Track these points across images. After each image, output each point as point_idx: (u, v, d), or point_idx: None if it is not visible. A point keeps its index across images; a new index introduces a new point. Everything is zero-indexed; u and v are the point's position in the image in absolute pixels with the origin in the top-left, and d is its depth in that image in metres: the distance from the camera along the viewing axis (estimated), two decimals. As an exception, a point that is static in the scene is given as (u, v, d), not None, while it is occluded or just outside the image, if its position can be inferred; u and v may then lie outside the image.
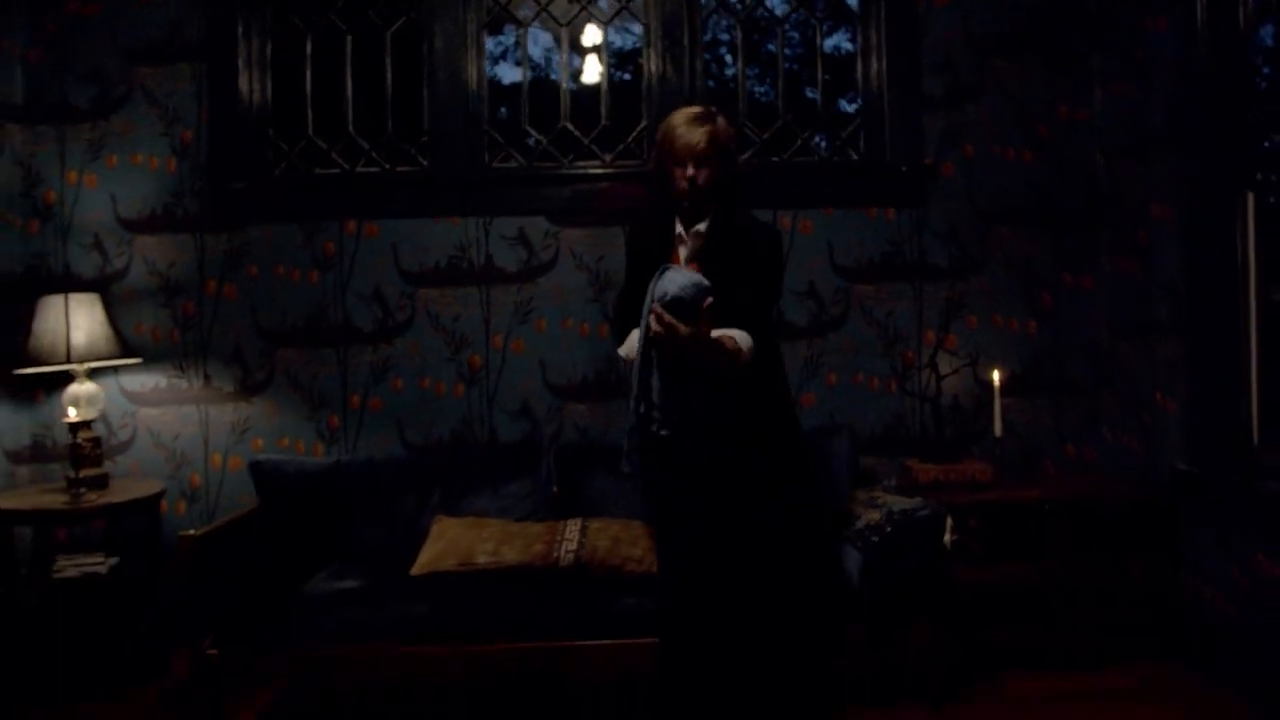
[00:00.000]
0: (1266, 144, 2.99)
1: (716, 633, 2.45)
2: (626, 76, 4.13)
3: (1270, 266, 3.13)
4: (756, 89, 4.13)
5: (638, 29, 3.95)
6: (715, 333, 2.35)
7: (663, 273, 2.37)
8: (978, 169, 3.83)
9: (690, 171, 2.48)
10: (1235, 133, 3.12)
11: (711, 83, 3.96)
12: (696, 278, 2.34)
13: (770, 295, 2.66)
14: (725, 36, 4.02)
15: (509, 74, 3.97)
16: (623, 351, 2.67)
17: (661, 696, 2.53)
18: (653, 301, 2.32)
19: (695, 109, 2.57)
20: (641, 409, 2.40)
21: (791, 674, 2.50)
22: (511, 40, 4.04)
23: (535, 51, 4.13)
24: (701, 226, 2.56)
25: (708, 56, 4.03)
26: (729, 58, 3.96)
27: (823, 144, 3.96)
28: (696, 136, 2.48)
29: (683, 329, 2.28)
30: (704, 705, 2.46)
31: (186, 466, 3.82)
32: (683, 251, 2.59)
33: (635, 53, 3.94)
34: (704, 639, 2.46)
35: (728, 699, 2.45)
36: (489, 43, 4.01)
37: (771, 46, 4.03)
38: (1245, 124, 3.09)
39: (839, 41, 4.10)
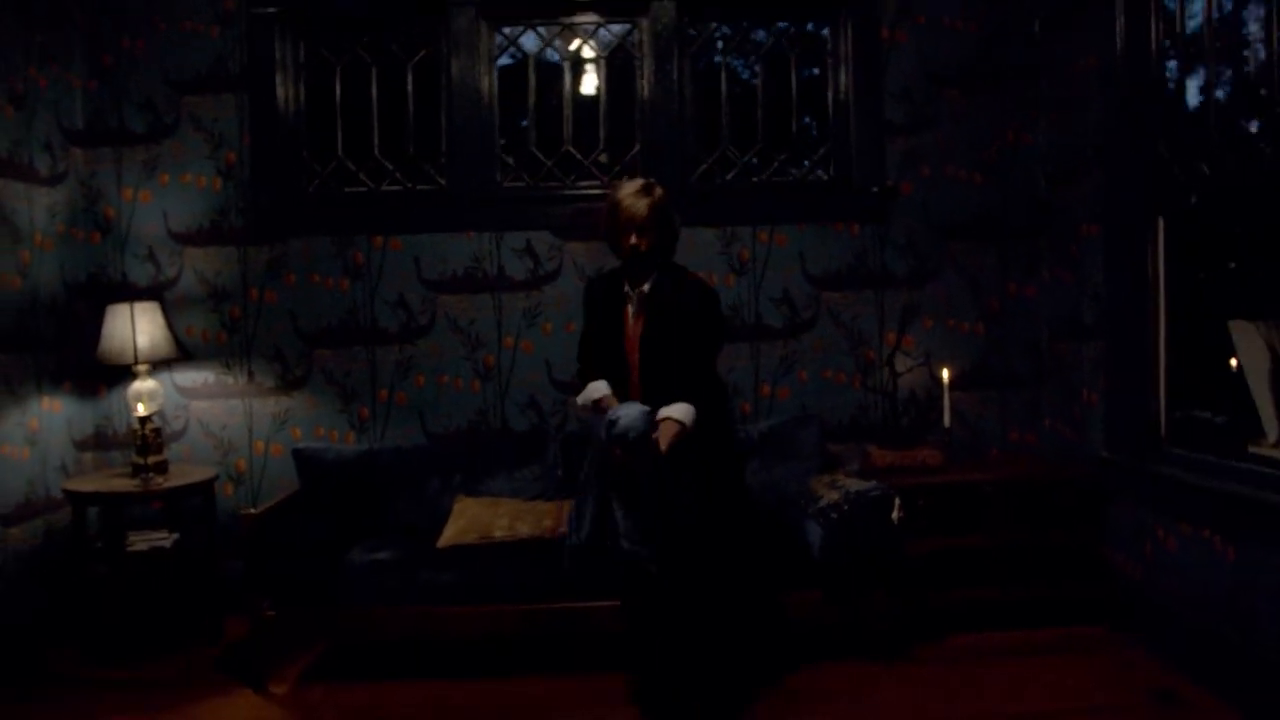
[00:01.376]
0: (1175, 173, 3.46)
1: (668, 599, 2.97)
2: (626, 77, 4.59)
3: (1176, 282, 3.63)
4: (747, 107, 4.55)
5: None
6: (662, 420, 2.95)
7: (615, 420, 2.87)
8: (933, 189, 4.32)
9: (634, 240, 2.99)
10: (1148, 163, 3.60)
11: (697, 107, 4.41)
12: (641, 411, 2.88)
13: (710, 344, 3.15)
14: (715, 57, 4.47)
15: (519, 85, 4.41)
16: (580, 400, 3.21)
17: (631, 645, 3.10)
18: (609, 439, 2.88)
19: (637, 183, 3.07)
20: (583, 534, 3.02)
21: (734, 622, 3.10)
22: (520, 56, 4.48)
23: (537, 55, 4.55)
24: (645, 287, 3.07)
25: (700, 67, 4.50)
26: (716, 82, 4.41)
27: (805, 163, 4.44)
28: (640, 208, 2.98)
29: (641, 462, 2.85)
30: (662, 649, 2.99)
31: (233, 453, 4.31)
32: (630, 308, 3.13)
33: (630, 71, 4.39)
34: (657, 603, 2.99)
35: (683, 643, 2.96)
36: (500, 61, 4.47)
37: (745, 72, 4.50)
38: (1156, 156, 3.58)
39: (813, 71, 4.54)
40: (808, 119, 4.53)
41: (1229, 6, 3.31)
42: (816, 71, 4.52)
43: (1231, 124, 3.17)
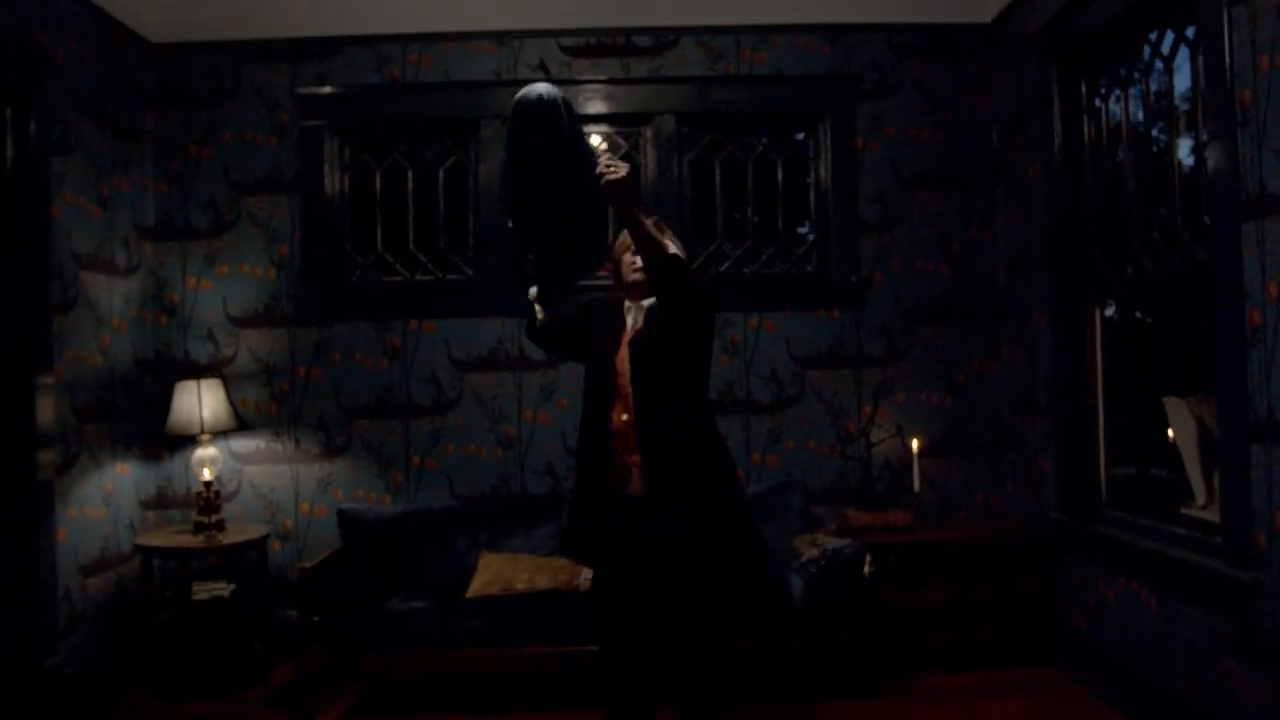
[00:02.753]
0: (1106, 272, 4.00)
1: (639, 645, 3.05)
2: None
3: (1111, 365, 4.16)
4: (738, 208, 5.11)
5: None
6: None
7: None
8: (904, 279, 4.87)
9: (633, 259, 3.01)
10: (1084, 262, 4.15)
11: (695, 206, 4.99)
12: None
13: (707, 298, 3.03)
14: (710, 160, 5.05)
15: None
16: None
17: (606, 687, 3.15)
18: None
19: (653, 221, 3.03)
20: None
21: (696, 667, 3.01)
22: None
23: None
24: (646, 303, 3.03)
25: (697, 166, 5.08)
26: (710, 182, 4.98)
27: (793, 257, 5.00)
28: (620, 246, 3.08)
29: (626, 167, 2.75)
30: (632, 686, 3.07)
31: (280, 513, 4.82)
32: (629, 317, 3.06)
33: (636, 173, 4.96)
34: (628, 649, 3.05)
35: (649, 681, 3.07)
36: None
37: (749, 177, 5.09)
38: (1090, 256, 4.12)
39: (797, 174, 5.11)
40: (793, 215, 5.09)
41: (1141, 121, 3.88)
42: (803, 171, 5.10)
43: (1148, 231, 3.71)
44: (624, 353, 3.01)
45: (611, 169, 2.74)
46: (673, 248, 2.96)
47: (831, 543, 4.02)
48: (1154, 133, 3.83)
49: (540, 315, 3.13)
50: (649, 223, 2.93)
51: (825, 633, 3.90)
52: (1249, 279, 3.01)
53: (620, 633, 3.06)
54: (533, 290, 3.13)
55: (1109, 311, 4.28)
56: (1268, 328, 2.94)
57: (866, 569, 3.90)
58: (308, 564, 4.00)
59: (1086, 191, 4.17)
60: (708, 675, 3.01)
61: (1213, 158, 3.18)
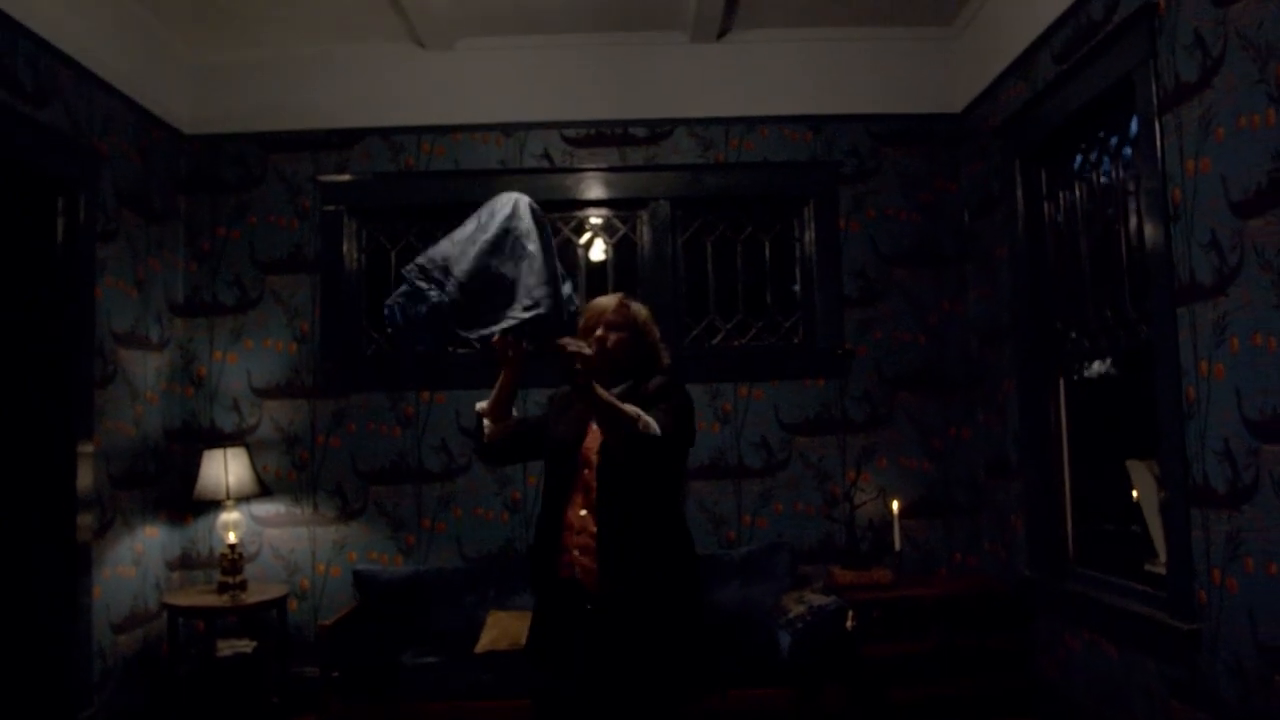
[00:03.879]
0: (1069, 343, 4.34)
1: None
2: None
3: (1076, 430, 4.48)
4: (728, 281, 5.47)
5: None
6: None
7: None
8: (884, 349, 5.21)
9: (600, 333, 2.74)
10: (1048, 334, 4.49)
11: (689, 283, 5.35)
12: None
13: (682, 435, 2.70)
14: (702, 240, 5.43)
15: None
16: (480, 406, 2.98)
17: None
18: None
19: (618, 297, 2.88)
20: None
21: None
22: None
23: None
24: (618, 390, 2.68)
25: (692, 248, 5.44)
26: (703, 259, 5.36)
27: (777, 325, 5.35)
28: (608, 303, 2.82)
29: (588, 349, 2.54)
30: None
31: (298, 573, 5.11)
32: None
33: (634, 252, 5.34)
34: None
35: None
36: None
37: (738, 258, 5.45)
38: (1053, 329, 4.46)
39: (784, 253, 5.48)
40: (780, 293, 5.44)
41: (1093, 209, 4.25)
42: (790, 249, 5.46)
43: (1101, 309, 4.06)
44: (591, 442, 2.73)
45: (576, 347, 2.53)
46: (643, 416, 2.56)
47: (817, 599, 4.30)
48: (1107, 217, 4.18)
49: (488, 428, 2.97)
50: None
51: (812, 685, 4.16)
52: (1184, 358, 3.35)
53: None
54: (480, 404, 2.99)
55: (1092, 368, 4.57)
56: (1201, 402, 3.27)
57: (849, 623, 4.18)
58: (327, 622, 4.28)
59: (1048, 269, 4.52)
60: None
61: (1150, 248, 3.54)
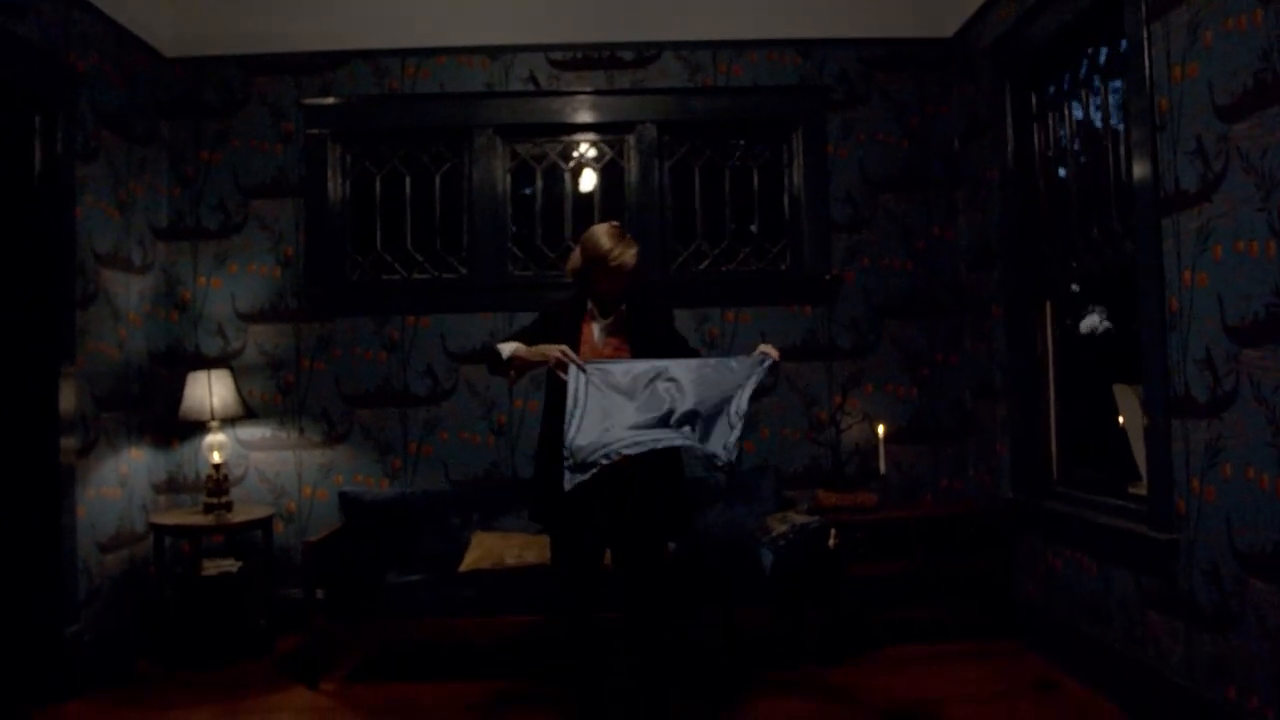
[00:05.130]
0: (1055, 266, 4.31)
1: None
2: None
3: (1061, 354, 4.47)
4: (716, 206, 5.45)
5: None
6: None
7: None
8: (872, 276, 5.19)
9: (621, 285, 3.30)
10: (1034, 257, 4.47)
11: (676, 209, 5.30)
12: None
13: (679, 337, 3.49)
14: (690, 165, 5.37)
15: (529, 190, 5.32)
16: (507, 351, 3.26)
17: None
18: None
19: (615, 229, 3.30)
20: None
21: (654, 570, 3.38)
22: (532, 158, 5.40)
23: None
24: (610, 320, 3.34)
25: (679, 172, 5.39)
26: (690, 185, 5.31)
27: (773, 252, 5.32)
28: (629, 258, 3.25)
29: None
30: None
31: (284, 496, 5.12)
32: (595, 325, 3.34)
33: (621, 177, 5.29)
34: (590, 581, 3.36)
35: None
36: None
37: (726, 183, 5.40)
38: (1040, 252, 4.44)
39: (772, 178, 5.44)
40: (768, 217, 5.40)
41: (1082, 127, 4.20)
42: (777, 175, 5.42)
43: (1089, 228, 4.03)
44: (611, 349, 3.33)
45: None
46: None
47: (800, 519, 4.32)
48: (1095, 134, 4.14)
49: (512, 376, 3.34)
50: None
51: (794, 603, 4.19)
52: (1168, 268, 3.33)
53: (582, 547, 3.34)
54: (507, 350, 3.27)
55: (1086, 320, 4.57)
56: (1184, 313, 3.26)
57: (831, 542, 4.20)
58: (312, 539, 4.29)
59: (1037, 192, 4.49)
60: (661, 579, 3.44)
61: (1136, 159, 3.50)
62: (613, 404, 3.13)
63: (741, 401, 3.16)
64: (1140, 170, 3.47)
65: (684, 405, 3.12)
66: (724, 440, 3.12)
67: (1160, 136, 3.35)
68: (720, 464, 3.11)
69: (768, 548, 4.25)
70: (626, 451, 3.06)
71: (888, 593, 4.55)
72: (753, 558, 4.29)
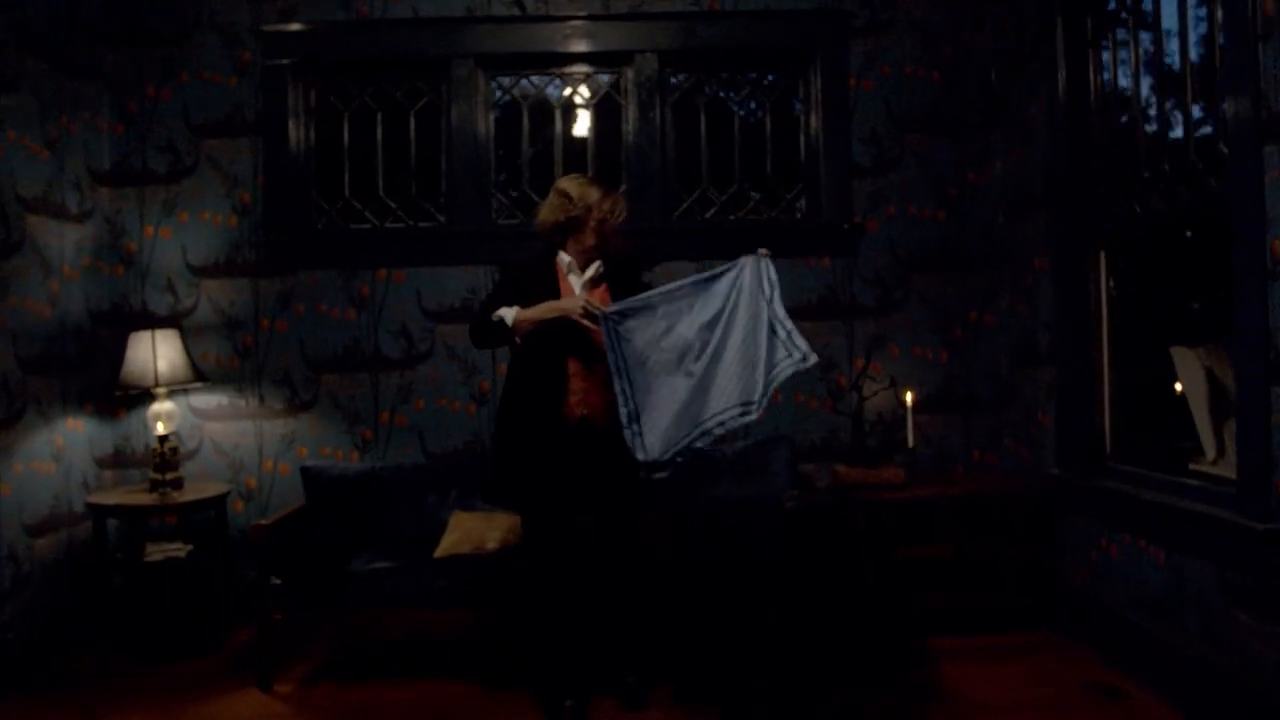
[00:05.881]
0: (1113, 210, 3.76)
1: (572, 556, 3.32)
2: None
3: (1118, 312, 3.93)
4: (725, 148, 4.90)
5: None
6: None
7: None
8: (898, 225, 4.64)
9: (607, 239, 3.33)
10: (1088, 201, 3.92)
11: (679, 149, 4.75)
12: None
13: None
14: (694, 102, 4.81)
15: (514, 128, 4.77)
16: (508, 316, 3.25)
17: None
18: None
19: (595, 181, 3.38)
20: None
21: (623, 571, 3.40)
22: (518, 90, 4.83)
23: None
24: (590, 271, 3.35)
25: (681, 113, 4.83)
26: (695, 126, 4.75)
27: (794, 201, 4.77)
28: (619, 210, 3.32)
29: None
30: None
31: (243, 471, 4.60)
32: (573, 279, 3.35)
33: (617, 115, 4.74)
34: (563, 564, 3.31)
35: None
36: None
37: (735, 121, 4.84)
38: (1095, 194, 3.89)
39: (786, 115, 4.88)
40: (782, 160, 4.84)
41: (1150, 50, 3.64)
42: (790, 116, 4.86)
43: (1158, 164, 3.47)
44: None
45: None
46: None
47: (814, 497, 3.80)
48: (1166, 59, 3.57)
49: (512, 323, 3.25)
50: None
51: (804, 593, 3.68)
52: (1270, 205, 2.78)
53: (558, 523, 3.32)
54: (510, 317, 3.24)
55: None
56: (1289, 258, 2.71)
57: (851, 522, 3.68)
58: (265, 521, 3.77)
59: (1090, 128, 3.93)
60: (633, 552, 3.46)
61: (1229, 76, 2.94)
62: (652, 357, 3.18)
63: (776, 310, 3.20)
64: (1234, 90, 2.91)
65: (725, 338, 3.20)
66: (785, 351, 3.20)
67: (1264, 47, 2.79)
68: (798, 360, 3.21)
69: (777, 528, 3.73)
70: (707, 438, 3.18)
71: (915, 578, 4.04)
72: (758, 540, 3.77)
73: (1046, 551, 4.10)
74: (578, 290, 3.32)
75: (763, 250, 3.23)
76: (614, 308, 3.17)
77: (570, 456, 3.27)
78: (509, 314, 3.22)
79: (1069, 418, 4.01)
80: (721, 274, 3.23)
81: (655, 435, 3.14)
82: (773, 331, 3.16)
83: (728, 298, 3.20)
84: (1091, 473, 3.89)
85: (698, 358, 3.16)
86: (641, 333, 3.18)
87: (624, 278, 3.42)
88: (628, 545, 3.42)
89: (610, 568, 3.38)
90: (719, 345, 3.16)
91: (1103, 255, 3.94)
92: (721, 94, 4.78)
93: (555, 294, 3.29)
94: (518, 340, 3.28)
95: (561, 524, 3.30)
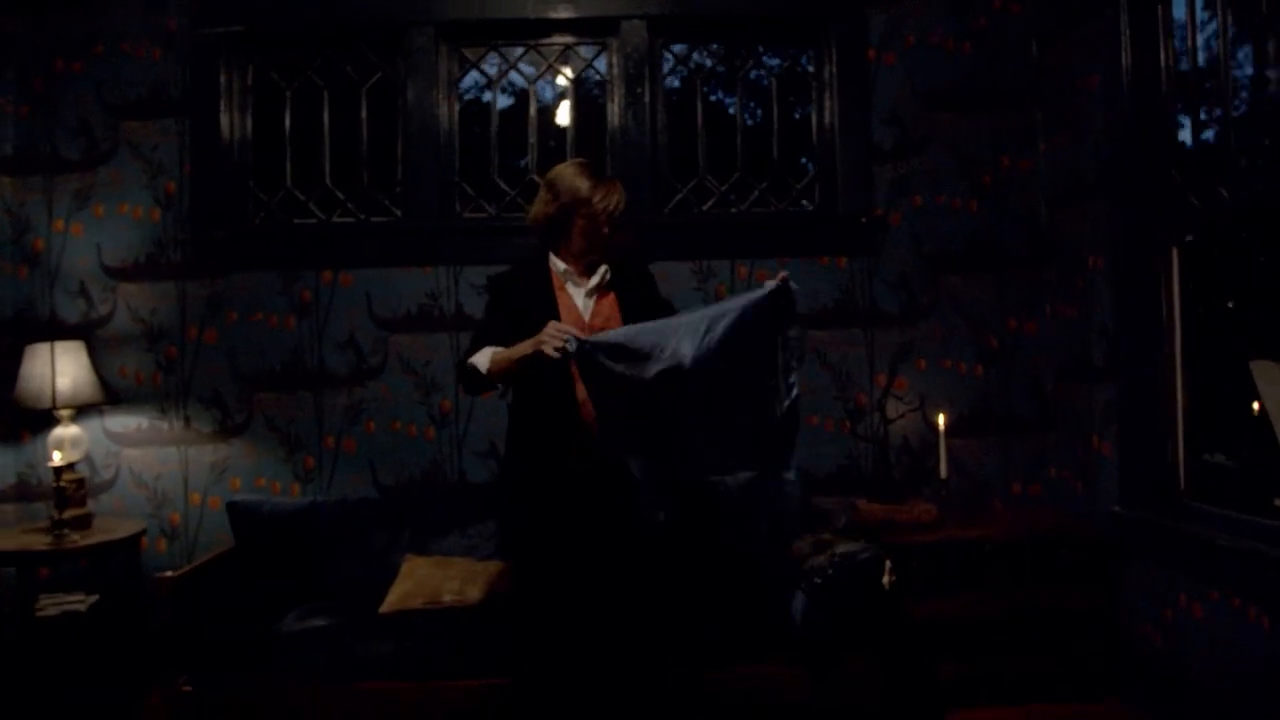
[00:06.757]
0: (1195, 203, 3.13)
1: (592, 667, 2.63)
2: (599, 97, 4.29)
3: (1194, 319, 3.30)
4: (725, 134, 4.30)
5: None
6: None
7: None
8: (925, 218, 4.01)
9: (606, 231, 2.69)
10: (1159, 190, 3.29)
11: (672, 131, 4.12)
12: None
13: None
14: (678, 83, 4.20)
15: (481, 110, 4.15)
16: (481, 364, 2.63)
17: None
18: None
19: (589, 168, 2.73)
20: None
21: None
22: (484, 82, 4.20)
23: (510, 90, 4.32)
24: (594, 280, 2.74)
25: (678, 83, 4.21)
26: (690, 108, 4.14)
27: (793, 190, 4.14)
28: (616, 200, 2.68)
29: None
30: None
31: (167, 505, 3.96)
32: (572, 289, 2.74)
33: (601, 94, 4.12)
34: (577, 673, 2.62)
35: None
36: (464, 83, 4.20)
37: (723, 96, 4.21)
38: (1168, 181, 3.26)
39: (796, 95, 4.27)
40: (791, 145, 4.22)
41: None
42: (800, 95, 4.24)
43: (1257, 137, 2.85)
44: (594, 324, 2.71)
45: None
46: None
47: (841, 545, 3.16)
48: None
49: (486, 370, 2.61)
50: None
51: (835, 663, 3.04)
52: None
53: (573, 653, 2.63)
54: (484, 363, 2.61)
55: None
56: None
57: (886, 579, 3.05)
58: (172, 573, 3.13)
59: (1163, 99, 3.30)
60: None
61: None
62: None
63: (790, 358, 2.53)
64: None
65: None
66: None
67: None
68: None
69: (800, 587, 3.10)
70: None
71: (951, 637, 3.40)
72: (776, 599, 3.14)
73: (1107, 605, 3.47)
74: (579, 303, 2.74)
75: (783, 275, 2.53)
76: (599, 338, 2.47)
77: (596, 533, 2.64)
78: (483, 359, 2.61)
79: (1134, 444, 3.38)
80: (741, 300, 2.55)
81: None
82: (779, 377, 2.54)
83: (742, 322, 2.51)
84: (1165, 511, 3.26)
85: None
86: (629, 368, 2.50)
87: (635, 287, 2.83)
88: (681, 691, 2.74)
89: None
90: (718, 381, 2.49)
91: (1175, 252, 3.31)
92: (721, 69, 4.14)
93: (551, 309, 2.68)
94: (499, 387, 2.71)
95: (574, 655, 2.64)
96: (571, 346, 2.40)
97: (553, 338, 2.43)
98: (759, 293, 2.50)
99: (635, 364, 2.41)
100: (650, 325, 2.51)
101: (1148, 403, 3.34)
